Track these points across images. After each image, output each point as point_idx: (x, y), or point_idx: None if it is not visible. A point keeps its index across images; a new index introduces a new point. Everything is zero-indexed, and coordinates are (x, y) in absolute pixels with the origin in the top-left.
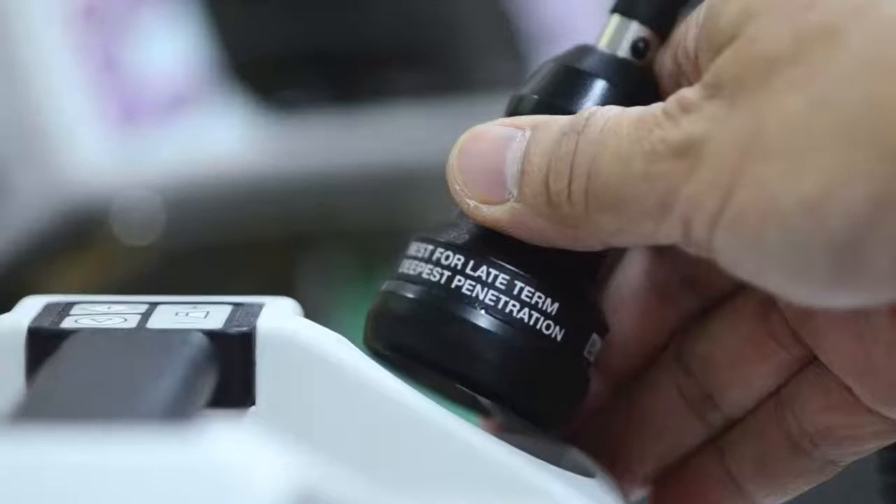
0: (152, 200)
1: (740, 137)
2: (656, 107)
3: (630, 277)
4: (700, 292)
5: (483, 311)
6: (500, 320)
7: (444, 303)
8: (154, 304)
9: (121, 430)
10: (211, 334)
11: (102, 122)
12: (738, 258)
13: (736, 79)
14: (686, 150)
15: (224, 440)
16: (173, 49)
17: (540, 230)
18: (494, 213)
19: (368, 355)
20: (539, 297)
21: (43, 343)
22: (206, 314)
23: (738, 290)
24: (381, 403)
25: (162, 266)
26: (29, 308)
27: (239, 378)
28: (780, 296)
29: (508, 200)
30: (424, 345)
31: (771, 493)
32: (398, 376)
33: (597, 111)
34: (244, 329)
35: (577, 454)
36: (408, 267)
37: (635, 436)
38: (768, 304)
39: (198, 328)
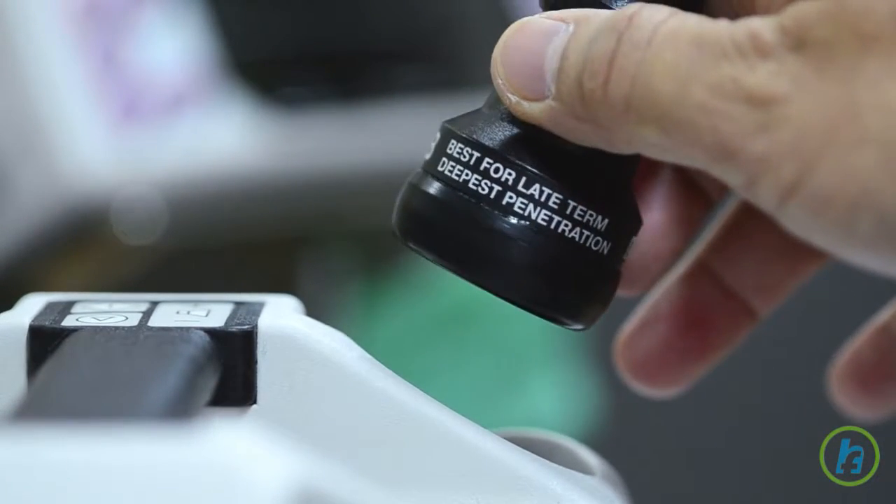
0: (153, 199)
1: (831, 113)
2: (723, 31)
3: None
4: None
5: (535, 232)
6: (553, 240)
7: (496, 221)
8: (155, 303)
9: (122, 428)
10: (212, 332)
11: (103, 121)
12: (813, 232)
13: (826, 44)
14: (763, 104)
15: (225, 439)
16: (174, 47)
17: (575, 130)
18: (533, 110)
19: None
20: (590, 216)
21: (44, 341)
22: (207, 312)
23: None
24: (382, 402)
25: (163, 264)
26: (30, 306)
27: (240, 376)
28: (854, 265)
29: (547, 97)
30: (474, 261)
31: None
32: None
33: (642, 10)
34: (245, 327)
35: (578, 451)
36: (450, 169)
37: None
38: None
39: (199, 326)
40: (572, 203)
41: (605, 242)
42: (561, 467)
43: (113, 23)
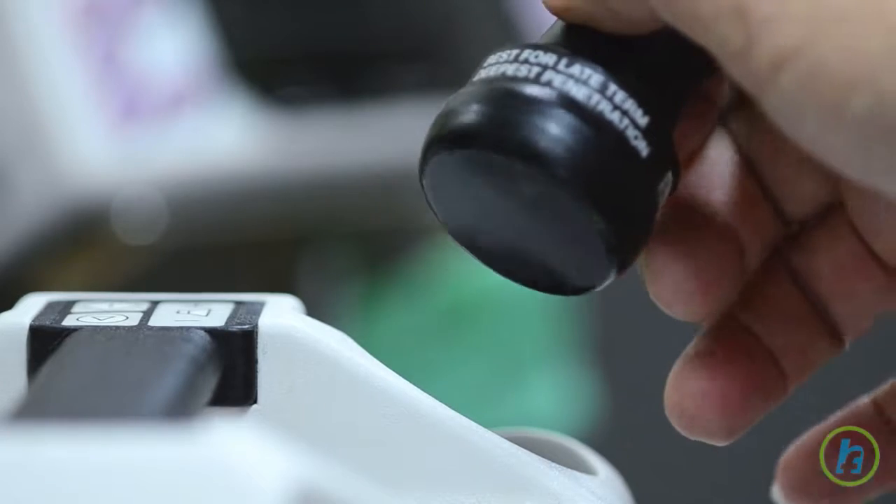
0: (154, 198)
1: None
2: None
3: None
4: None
5: (573, 105)
6: (590, 116)
7: (533, 90)
8: (156, 302)
9: (122, 428)
10: (212, 332)
11: (104, 120)
12: (800, 109)
13: None
14: None
15: (225, 439)
16: (174, 46)
17: (579, 8)
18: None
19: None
20: (631, 105)
21: (44, 341)
22: (207, 312)
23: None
24: (382, 401)
25: (163, 264)
26: (30, 306)
27: (240, 376)
28: (830, 167)
29: None
30: (509, 133)
31: None
32: (442, 211)
33: None
34: (246, 327)
35: (579, 451)
36: (484, 73)
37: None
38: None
39: (199, 326)
40: (613, 86)
41: (644, 142)
42: (562, 467)
43: (113, 23)
